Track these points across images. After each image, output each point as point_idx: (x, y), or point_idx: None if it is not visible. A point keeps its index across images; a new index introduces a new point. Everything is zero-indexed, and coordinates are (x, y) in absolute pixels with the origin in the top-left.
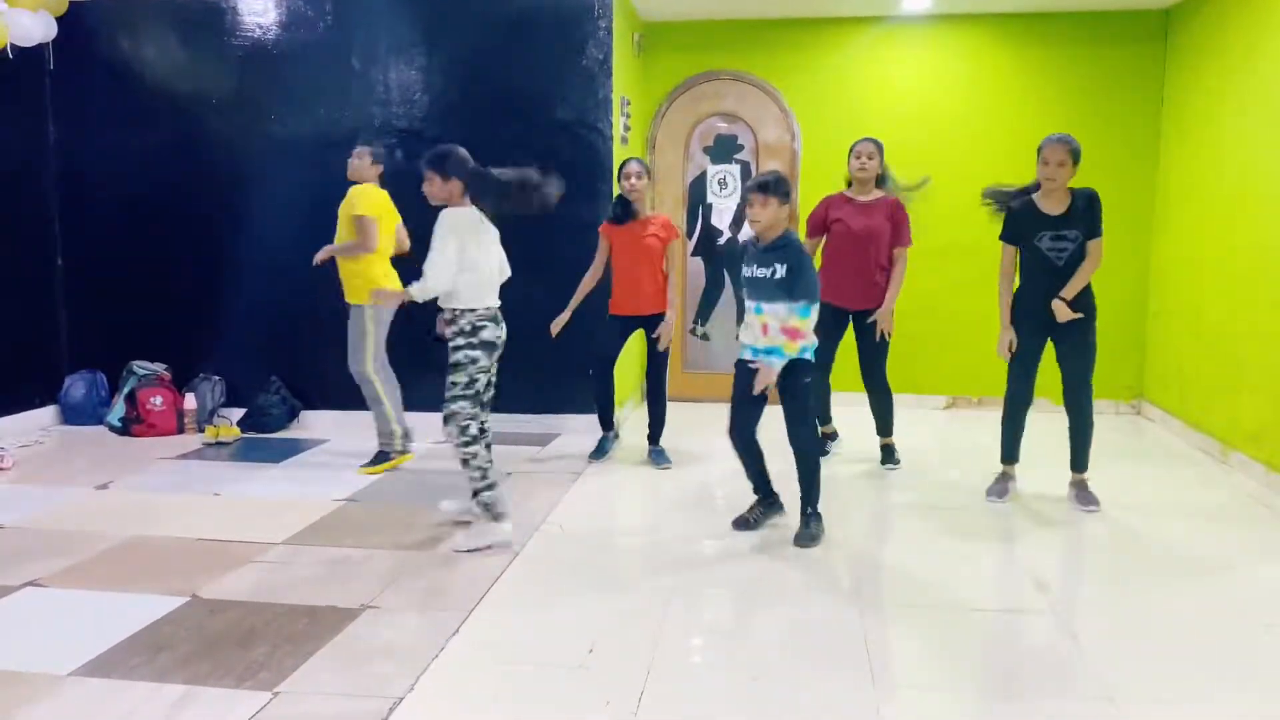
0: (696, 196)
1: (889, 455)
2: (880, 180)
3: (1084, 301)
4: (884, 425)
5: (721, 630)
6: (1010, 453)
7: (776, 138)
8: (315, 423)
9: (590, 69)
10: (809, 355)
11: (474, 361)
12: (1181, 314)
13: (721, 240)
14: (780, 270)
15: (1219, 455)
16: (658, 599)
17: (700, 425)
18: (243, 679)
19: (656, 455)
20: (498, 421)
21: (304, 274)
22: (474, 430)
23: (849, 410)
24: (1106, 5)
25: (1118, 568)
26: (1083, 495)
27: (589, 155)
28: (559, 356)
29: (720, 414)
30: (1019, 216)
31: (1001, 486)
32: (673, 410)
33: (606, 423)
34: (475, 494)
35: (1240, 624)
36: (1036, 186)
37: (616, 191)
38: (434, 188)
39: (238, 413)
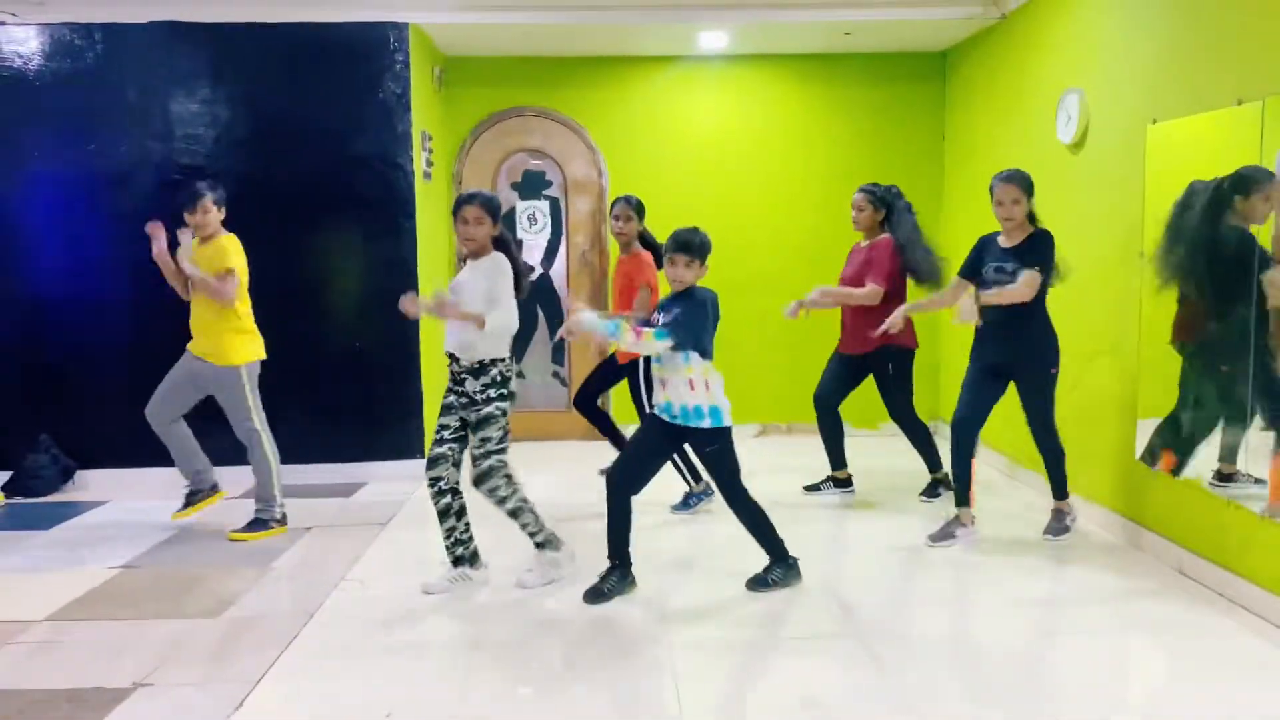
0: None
1: (937, 488)
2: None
3: (1040, 347)
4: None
5: (529, 694)
6: (962, 495)
7: (584, 174)
8: (94, 483)
9: (388, 103)
10: (708, 423)
11: (505, 414)
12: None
13: (533, 276)
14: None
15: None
16: (459, 659)
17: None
18: None
19: None
20: (300, 472)
21: (75, 319)
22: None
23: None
24: (889, 48)
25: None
26: (1053, 525)
27: (389, 191)
28: (362, 401)
29: (537, 453)
30: (983, 248)
31: (949, 531)
32: None
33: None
34: (539, 544)
35: (1033, 631)
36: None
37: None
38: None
39: (2, 476)
